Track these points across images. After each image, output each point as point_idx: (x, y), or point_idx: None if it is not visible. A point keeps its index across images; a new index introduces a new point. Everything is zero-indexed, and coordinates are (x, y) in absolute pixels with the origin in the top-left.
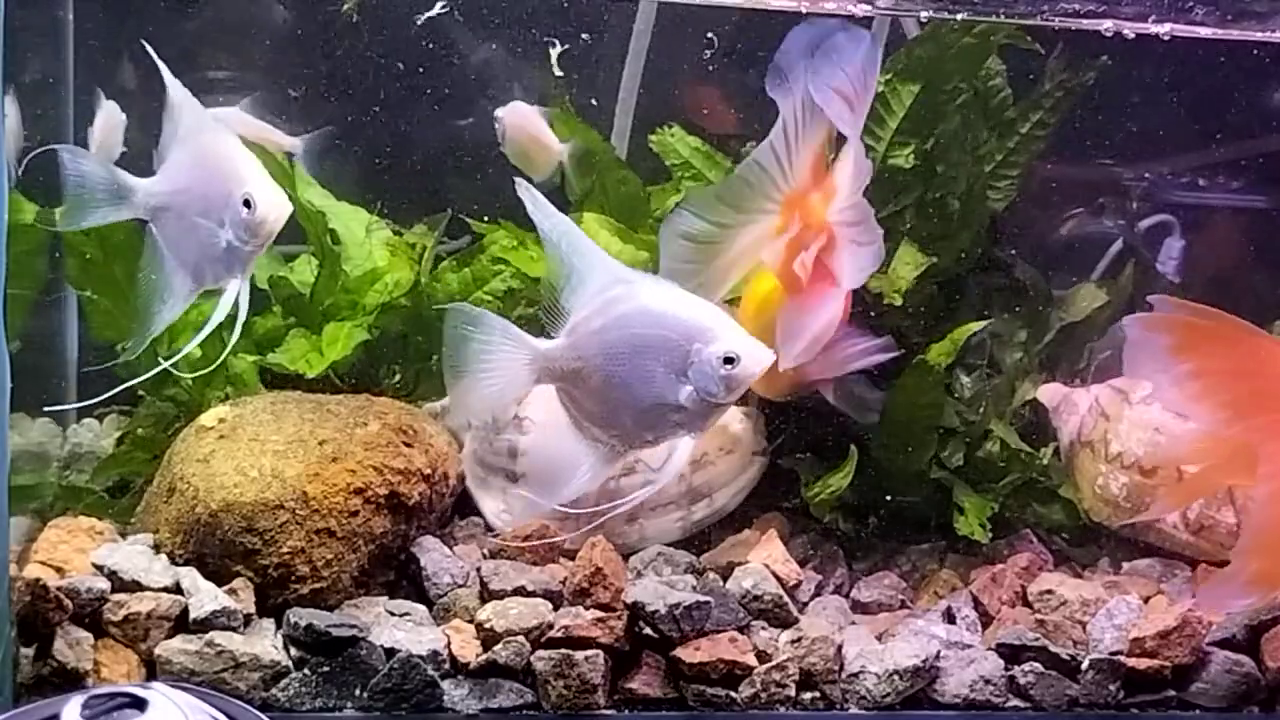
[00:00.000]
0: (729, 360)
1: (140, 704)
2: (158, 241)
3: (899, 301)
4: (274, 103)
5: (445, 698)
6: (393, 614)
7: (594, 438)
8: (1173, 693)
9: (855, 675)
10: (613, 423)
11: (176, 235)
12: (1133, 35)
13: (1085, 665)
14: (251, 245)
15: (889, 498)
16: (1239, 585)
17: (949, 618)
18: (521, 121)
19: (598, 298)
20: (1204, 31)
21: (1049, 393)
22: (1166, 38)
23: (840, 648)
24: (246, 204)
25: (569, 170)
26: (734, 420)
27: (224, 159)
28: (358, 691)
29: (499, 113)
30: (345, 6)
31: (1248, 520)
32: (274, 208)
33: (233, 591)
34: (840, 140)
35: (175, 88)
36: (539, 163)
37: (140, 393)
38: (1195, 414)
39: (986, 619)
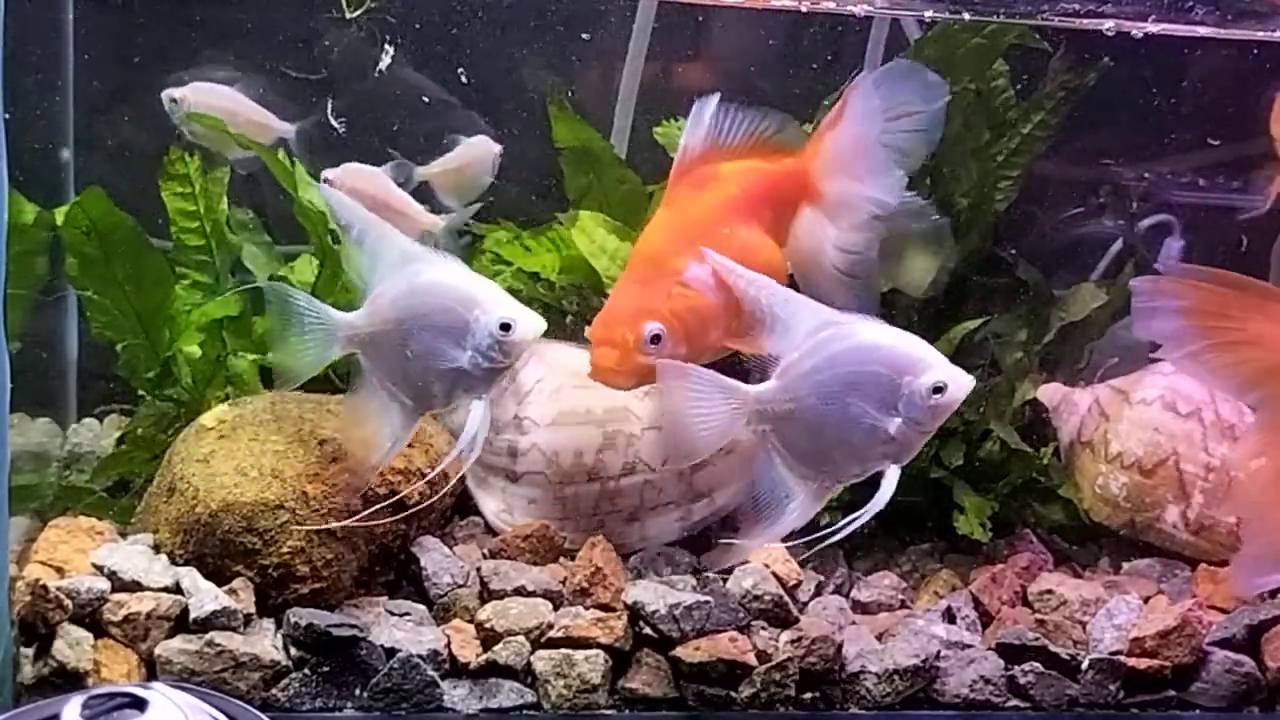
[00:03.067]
0: (938, 389)
1: (140, 704)
2: (371, 372)
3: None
4: (269, 103)
5: (445, 698)
6: (393, 614)
7: (803, 475)
8: (1173, 693)
9: (855, 675)
10: (824, 459)
11: (394, 364)
12: (1140, 35)
13: (1085, 665)
14: (504, 364)
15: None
16: (1272, 561)
17: (949, 618)
18: (360, 184)
19: (807, 341)
20: (1204, 31)
21: (1049, 393)
22: (1166, 37)
23: (840, 648)
24: (505, 327)
25: None
26: None
27: (456, 284)
28: (358, 691)
29: (330, 174)
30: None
31: (1261, 494)
32: (533, 328)
33: (233, 591)
34: None
35: (374, 224)
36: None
37: (140, 392)
38: (1209, 380)
39: (986, 619)
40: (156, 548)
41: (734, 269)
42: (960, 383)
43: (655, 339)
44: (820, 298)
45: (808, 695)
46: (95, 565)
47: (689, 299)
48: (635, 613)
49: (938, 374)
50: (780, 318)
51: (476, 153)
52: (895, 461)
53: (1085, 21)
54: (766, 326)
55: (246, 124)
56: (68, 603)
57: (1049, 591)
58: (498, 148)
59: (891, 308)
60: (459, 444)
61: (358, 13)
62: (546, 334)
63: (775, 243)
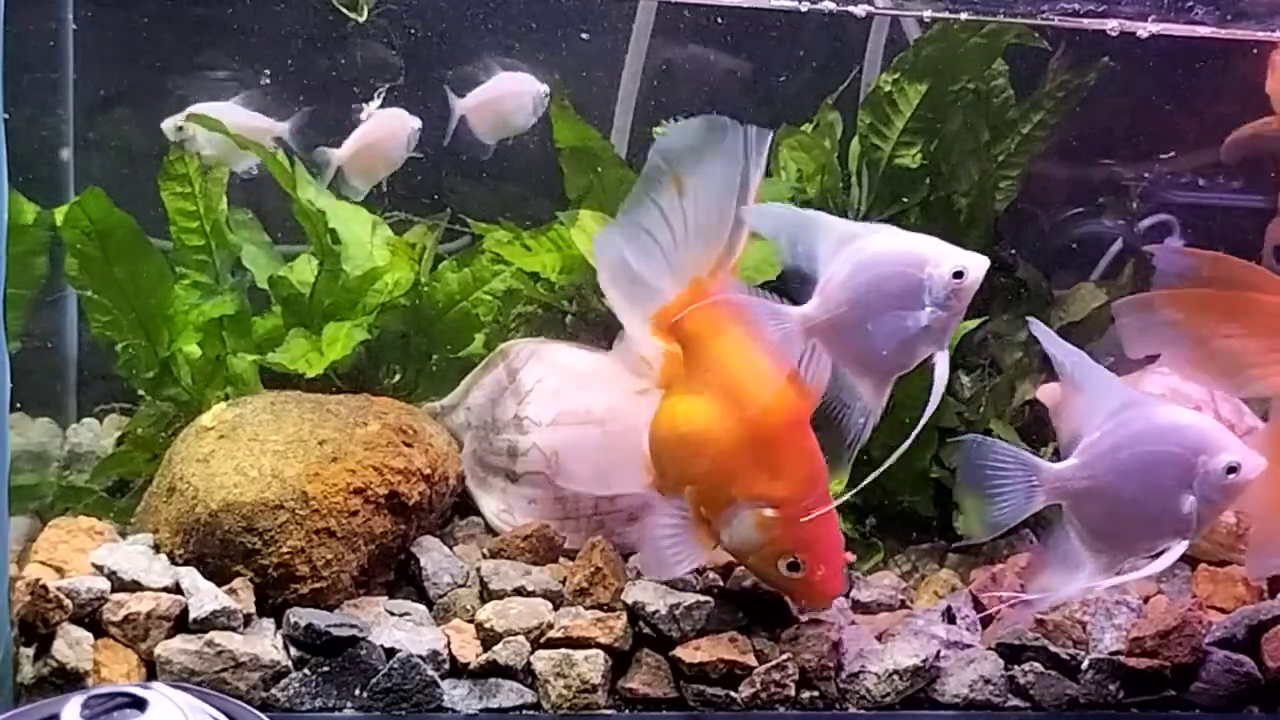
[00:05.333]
0: (1232, 469)
1: (140, 704)
2: (835, 355)
3: None
4: (273, 103)
5: (445, 698)
6: (393, 614)
7: (1095, 549)
8: (1172, 692)
9: (855, 675)
10: (1117, 535)
11: (855, 343)
12: (1145, 35)
13: (1085, 665)
14: (960, 310)
15: (889, 498)
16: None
17: (949, 618)
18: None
19: (1109, 420)
20: (1204, 31)
21: (1049, 393)
22: (1166, 37)
23: (840, 647)
24: (958, 275)
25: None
26: None
27: (899, 248)
28: (358, 691)
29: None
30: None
31: (1272, 474)
32: (982, 265)
33: (233, 591)
34: None
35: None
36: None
37: (140, 392)
38: (1213, 383)
39: (986, 619)
40: (156, 548)
41: (1052, 338)
42: (1253, 462)
43: None
44: None
45: (807, 695)
46: (95, 565)
47: None
48: (635, 613)
49: (1232, 454)
50: (1090, 396)
51: (389, 127)
52: (1184, 538)
53: (1085, 21)
54: (1073, 402)
55: (245, 130)
56: (68, 603)
57: None
58: (415, 123)
59: None
60: (933, 397)
61: (363, 17)
62: (546, 334)
63: None
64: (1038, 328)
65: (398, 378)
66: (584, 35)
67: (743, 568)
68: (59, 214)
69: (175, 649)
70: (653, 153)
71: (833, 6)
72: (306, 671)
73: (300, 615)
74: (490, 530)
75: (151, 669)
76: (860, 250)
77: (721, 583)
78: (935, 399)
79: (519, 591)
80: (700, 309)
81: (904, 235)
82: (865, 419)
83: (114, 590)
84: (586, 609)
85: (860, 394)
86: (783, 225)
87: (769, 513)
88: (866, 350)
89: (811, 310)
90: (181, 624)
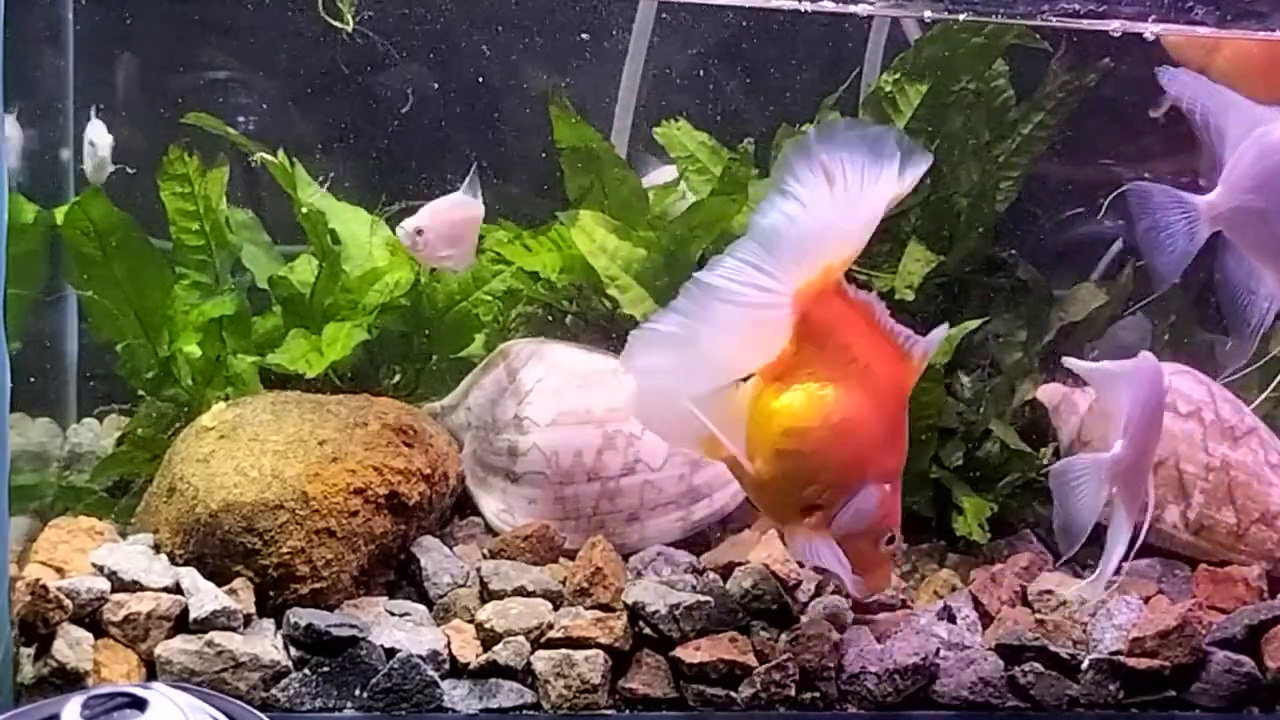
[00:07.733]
0: None
1: (140, 704)
2: (1237, 247)
3: (910, 297)
4: (269, 103)
5: (445, 698)
6: (393, 614)
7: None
8: (1173, 693)
9: (855, 675)
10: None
11: (1263, 237)
12: (1152, 37)
13: (1085, 665)
14: None
15: None
16: None
17: (949, 617)
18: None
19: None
20: (1204, 31)
21: (1049, 393)
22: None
23: (840, 647)
24: None
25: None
26: None
27: None
28: (358, 691)
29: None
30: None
31: None
32: None
33: (233, 591)
34: None
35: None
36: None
37: (140, 392)
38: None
39: (986, 619)
40: (156, 548)
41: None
42: None
43: None
44: None
45: (807, 695)
46: (95, 565)
47: None
48: (635, 613)
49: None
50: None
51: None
52: None
53: (1085, 22)
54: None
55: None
56: (68, 603)
57: (1049, 591)
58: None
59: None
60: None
61: (355, 22)
62: (546, 334)
63: None
64: (1073, 364)
65: (398, 378)
66: (584, 35)
67: (742, 567)
68: (59, 214)
69: (175, 649)
70: (809, 139)
71: (833, 6)
72: (306, 671)
73: (300, 615)
74: (490, 530)
75: (151, 669)
76: (1266, 135)
77: (721, 583)
78: None
79: (519, 591)
80: (824, 295)
81: None
82: (1270, 304)
83: (114, 590)
84: (586, 609)
85: (1265, 281)
86: (1196, 97)
87: (887, 487)
88: (1271, 237)
89: (1216, 198)
90: (181, 624)
